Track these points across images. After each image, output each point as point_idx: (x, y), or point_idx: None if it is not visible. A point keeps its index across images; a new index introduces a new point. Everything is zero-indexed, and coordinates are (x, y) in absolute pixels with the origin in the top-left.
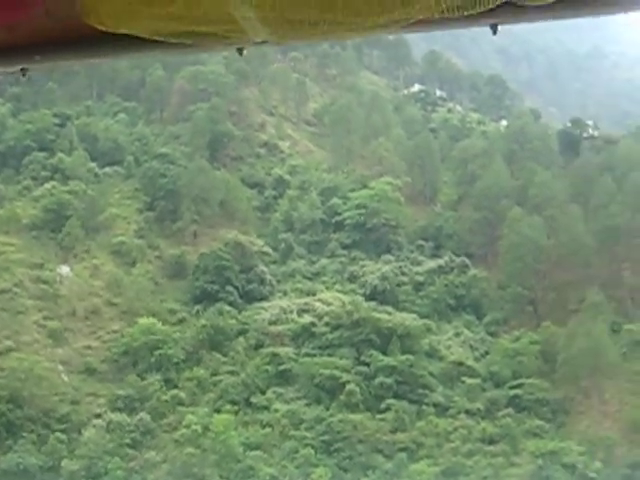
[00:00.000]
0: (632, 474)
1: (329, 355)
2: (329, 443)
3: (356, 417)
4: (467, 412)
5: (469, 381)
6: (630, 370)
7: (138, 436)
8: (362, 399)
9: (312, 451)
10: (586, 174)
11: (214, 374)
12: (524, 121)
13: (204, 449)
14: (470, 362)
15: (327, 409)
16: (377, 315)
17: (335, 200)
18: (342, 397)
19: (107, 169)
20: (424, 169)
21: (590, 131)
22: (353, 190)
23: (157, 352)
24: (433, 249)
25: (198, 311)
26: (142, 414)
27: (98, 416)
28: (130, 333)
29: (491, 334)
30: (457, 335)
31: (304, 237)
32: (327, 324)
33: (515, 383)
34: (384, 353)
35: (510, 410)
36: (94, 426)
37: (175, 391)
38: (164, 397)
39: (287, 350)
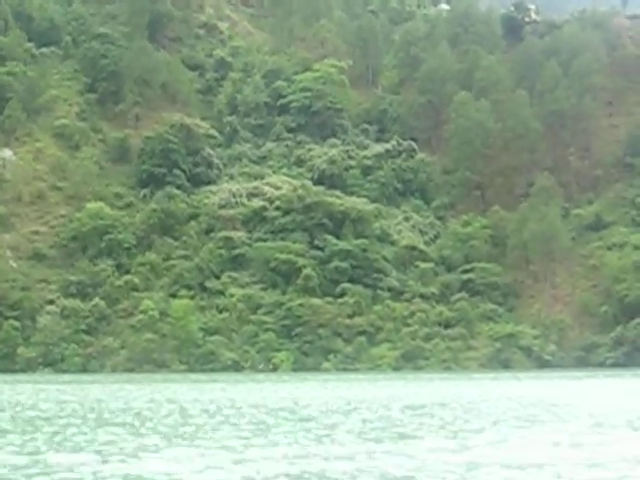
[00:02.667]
0: (585, 356)
1: (282, 239)
2: (289, 327)
3: (315, 301)
4: (422, 296)
5: (422, 265)
6: (580, 254)
7: (93, 322)
8: (318, 283)
9: (273, 335)
10: (531, 59)
11: (167, 259)
12: (467, 4)
13: (163, 334)
14: (422, 246)
15: (284, 293)
16: (329, 199)
17: (279, 83)
18: (299, 281)
19: (44, 49)
20: (366, 52)
21: (532, 15)
22: (297, 73)
23: (107, 237)
24: (378, 132)
25: (145, 195)
26: (96, 300)
27: (51, 302)
28: (78, 218)
29: (439, 218)
30: (407, 219)
31: (249, 120)
32: (278, 208)
33: (467, 267)
34: (337, 237)
35: (464, 294)
36: (48, 312)
37: (128, 276)
38: (117, 282)
39: (240, 234)
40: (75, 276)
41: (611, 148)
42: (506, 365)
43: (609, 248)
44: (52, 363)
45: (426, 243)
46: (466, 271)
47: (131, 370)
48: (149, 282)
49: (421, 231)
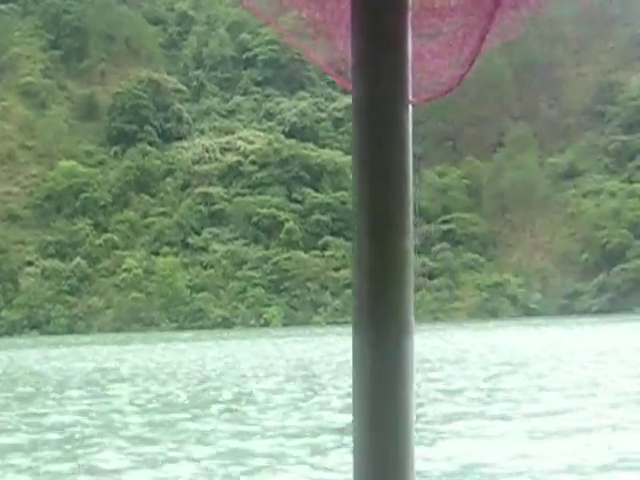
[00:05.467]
0: (569, 303)
1: (260, 194)
2: (277, 282)
3: (301, 255)
4: None
5: None
6: (557, 202)
7: (76, 282)
8: (301, 237)
9: (262, 291)
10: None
11: (145, 216)
12: None
13: (149, 293)
14: None
15: (267, 248)
16: (305, 152)
17: (244, 35)
18: (282, 235)
19: (2, 6)
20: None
21: None
22: (262, 25)
23: (82, 196)
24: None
25: (116, 152)
26: (77, 260)
27: (30, 264)
28: (52, 177)
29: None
30: None
31: (215, 74)
32: (254, 162)
33: (446, 218)
34: (316, 190)
35: (445, 244)
36: (28, 274)
37: (107, 235)
38: (97, 241)
39: (217, 190)
40: (52, 236)
41: (580, 97)
42: (493, 314)
43: (584, 196)
44: (37, 325)
45: None
46: (445, 221)
47: (119, 330)
48: (129, 240)
49: None
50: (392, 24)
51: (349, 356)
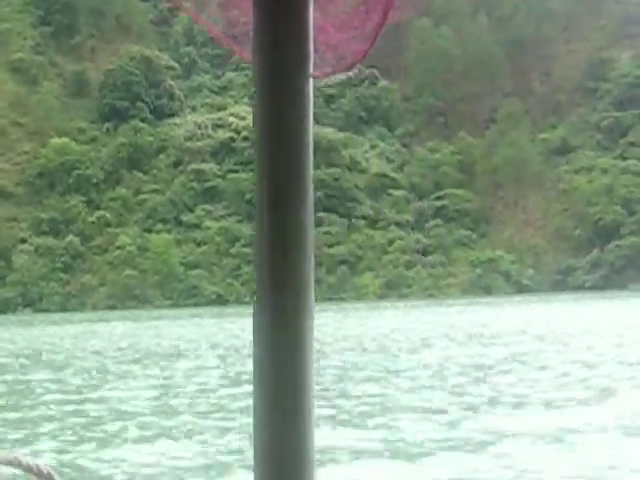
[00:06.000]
0: (562, 279)
1: (252, 170)
2: None
3: None
4: (397, 224)
5: (395, 193)
6: (550, 178)
7: (69, 260)
8: None
9: None
10: None
11: (138, 193)
12: None
13: (143, 270)
14: (392, 174)
15: None
16: None
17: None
18: None
19: None
20: None
21: None
22: None
23: (75, 172)
24: None
25: (108, 129)
26: (70, 237)
27: (23, 241)
28: (44, 154)
29: (404, 146)
30: (373, 147)
31: (206, 50)
32: (246, 139)
33: (439, 194)
34: None
35: (438, 221)
36: (21, 251)
37: (100, 212)
38: (90, 219)
39: (210, 166)
40: (45, 213)
41: (571, 73)
42: (487, 291)
43: (577, 172)
44: (31, 303)
45: (394, 170)
46: (438, 198)
47: (113, 307)
48: (122, 217)
49: (388, 159)
50: None
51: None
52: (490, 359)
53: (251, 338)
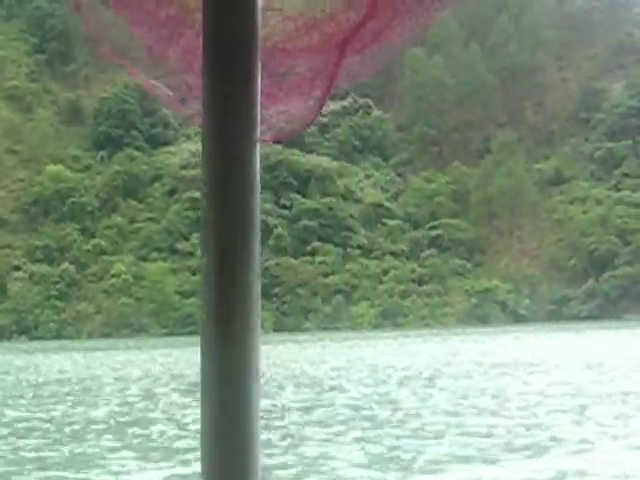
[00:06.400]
0: (558, 309)
1: None
2: (267, 287)
3: (291, 261)
4: (392, 253)
5: (389, 222)
6: (544, 208)
7: (64, 287)
8: (289, 243)
9: None
10: (482, 13)
11: (133, 221)
12: None
13: (138, 298)
14: (387, 203)
15: None
16: (293, 157)
17: None
18: (270, 241)
19: None
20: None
21: None
22: None
23: (70, 200)
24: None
25: (102, 157)
26: (65, 264)
27: (17, 268)
28: (38, 181)
29: (399, 175)
30: (367, 177)
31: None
32: None
33: (434, 224)
34: (303, 196)
35: (433, 250)
36: (16, 279)
37: (95, 240)
38: (85, 247)
39: None
40: (40, 241)
41: (564, 102)
42: (483, 320)
43: (571, 202)
44: (26, 330)
45: (389, 200)
46: (433, 227)
47: (108, 335)
48: (117, 245)
49: (382, 188)
50: (242, 62)
51: None
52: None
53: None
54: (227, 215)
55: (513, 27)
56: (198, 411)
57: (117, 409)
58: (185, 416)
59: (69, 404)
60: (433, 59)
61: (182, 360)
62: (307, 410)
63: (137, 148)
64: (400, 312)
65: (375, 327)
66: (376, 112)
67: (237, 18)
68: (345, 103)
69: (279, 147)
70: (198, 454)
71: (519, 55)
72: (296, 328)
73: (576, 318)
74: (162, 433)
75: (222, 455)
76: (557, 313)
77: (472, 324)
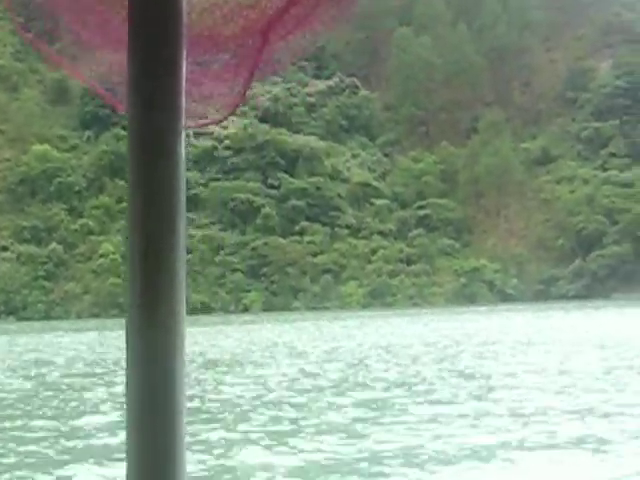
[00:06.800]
0: (546, 289)
1: (235, 179)
2: (256, 267)
3: (279, 240)
4: (380, 233)
5: (377, 202)
6: (531, 188)
7: (52, 268)
8: (277, 222)
9: (242, 276)
10: None
11: (120, 201)
12: None
13: (127, 278)
14: (374, 183)
15: (243, 233)
16: (280, 137)
17: None
18: (258, 221)
19: None
20: None
21: None
22: None
23: (57, 180)
24: (315, 69)
25: (89, 137)
26: (53, 245)
27: (5, 249)
28: (25, 161)
29: (386, 155)
30: (354, 156)
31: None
32: (229, 147)
33: (422, 203)
34: (291, 175)
35: (421, 230)
36: (4, 259)
37: (83, 220)
38: (72, 226)
39: (193, 174)
40: (27, 221)
41: (551, 83)
42: (471, 300)
43: (558, 182)
44: (14, 311)
45: (376, 180)
46: (421, 207)
47: (97, 315)
48: (105, 225)
49: (370, 168)
50: (167, 51)
51: None
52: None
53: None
54: (153, 204)
55: (501, 8)
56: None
57: None
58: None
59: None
60: (420, 39)
61: None
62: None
63: (124, 128)
64: (389, 292)
65: (364, 307)
66: (363, 92)
67: (162, 6)
68: (331, 83)
69: (266, 127)
70: None
71: (507, 36)
72: (285, 308)
73: (564, 297)
74: None
75: (146, 439)
76: (545, 293)
77: (460, 303)
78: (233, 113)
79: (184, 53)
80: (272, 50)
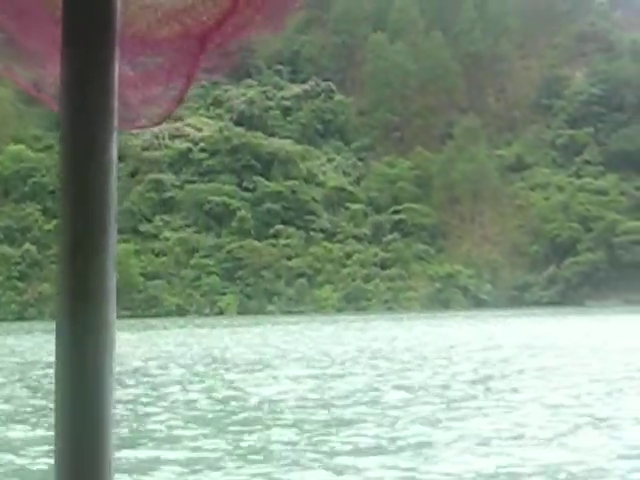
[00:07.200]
0: (519, 295)
1: (210, 181)
2: (231, 270)
3: (254, 244)
4: (355, 237)
5: (352, 206)
6: (506, 194)
7: (25, 268)
8: (253, 225)
9: (217, 279)
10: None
11: None
12: None
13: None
14: (349, 187)
15: (218, 236)
16: (255, 140)
17: None
18: (234, 224)
19: None
20: None
21: None
22: None
23: (31, 180)
24: (291, 74)
25: None
26: (26, 245)
27: None
28: None
29: (360, 160)
30: (329, 161)
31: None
32: (204, 150)
33: (397, 208)
34: (266, 179)
35: (396, 235)
36: None
37: (57, 220)
38: (46, 227)
39: (168, 177)
40: (1, 221)
41: (526, 90)
42: (446, 305)
43: (532, 189)
44: None
45: (351, 184)
46: (396, 212)
47: None
48: None
49: (344, 172)
50: (100, 52)
51: None
52: None
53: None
54: (83, 204)
55: (477, 14)
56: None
57: None
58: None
59: None
60: (395, 45)
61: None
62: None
63: None
64: (363, 296)
65: (339, 310)
66: (338, 96)
67: (96, 6)
68: (307, 87)
69: (241, 130)
70: None
71: (482, 42)
72: (260, 311)
73: (537, 304)
74: None
75: (74, 442)
76: (519, 299)
77: (435, 308)
78: (168, 117)
79: (117, 55)
80: (209, 56)
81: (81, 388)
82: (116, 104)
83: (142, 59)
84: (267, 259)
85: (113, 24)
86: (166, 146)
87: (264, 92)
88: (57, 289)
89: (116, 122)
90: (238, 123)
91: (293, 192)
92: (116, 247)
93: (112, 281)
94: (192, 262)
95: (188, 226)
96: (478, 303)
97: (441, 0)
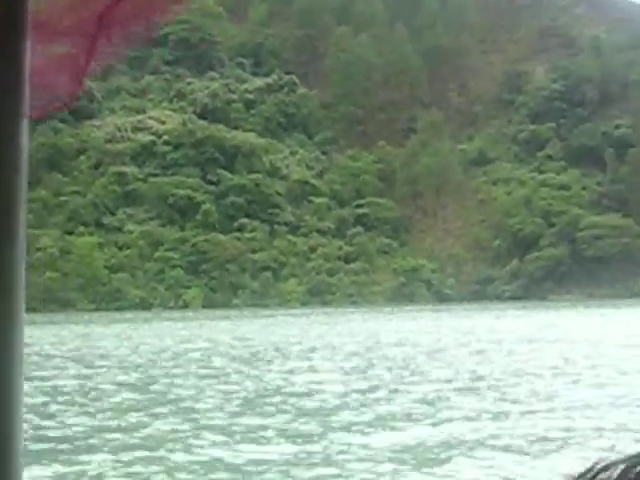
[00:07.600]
0: (482, 289)
1: (174, 174)
2: (196, 264)
3: (219, 237)
4: (318, 231)
5: (316, 200)
6: (469, 189)
7: None
8: (217, 219)
9: (181, 272)
10: None
11: (58, 194)
12: None
13: (65, 273)
14: (313, 181)
15: (182, 229)
16: (219, 134)
17: None
18: (198, 217)
19: None
20: None
21: None
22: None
23: None
24: (254, 66)
25: None
26: None
27: None
28: None
29: (324, 153)
30: (292, 154)
31: (124, 52)
32: (167, 143)
33: (360, 202)
34: (230, 172)
35: (359, 228)
36: None
37: None
38: None
39: (131, 169)
40: None
41: (487, 85)
42: (410, 299)
43: (494, 183)
44: None
45: (314, 178)
46: (359, 206)
47: (34, 310)
48: (42, 219)
49: (308, 166)
50: (10, 39)
51: None
52: None
53: None
54: None
55: (439, 9)
56: None
57: None
58: None
59: None
60: (359, 38)
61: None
62: None
63: (62, 120)
64: (328, 290)
65: (303, 304)
66: (301, 89)
67: None
68: (270, 80)
69: (204, 123)
70: None
71: (445, 37)
72: (225, 304)
73: (500, 298)
74: None
75: None
76: (481, 293)
77: (399, 302)
78: (72, 102)
79: (28, 41)
80: (109, 38)
81: None
82: (27, 90)
83: (49, 46)
84: (232, 252)
85: (24, 12)
86: (129, 139)
87: (227, 85)
88: None
89: (27, 111)
90: (201, 116)
91: (257, 185)
92: (25, 241)
93: (21, 272)
94: (156, 255)
95: (152, 219)
96: (441, 297)
97: None
